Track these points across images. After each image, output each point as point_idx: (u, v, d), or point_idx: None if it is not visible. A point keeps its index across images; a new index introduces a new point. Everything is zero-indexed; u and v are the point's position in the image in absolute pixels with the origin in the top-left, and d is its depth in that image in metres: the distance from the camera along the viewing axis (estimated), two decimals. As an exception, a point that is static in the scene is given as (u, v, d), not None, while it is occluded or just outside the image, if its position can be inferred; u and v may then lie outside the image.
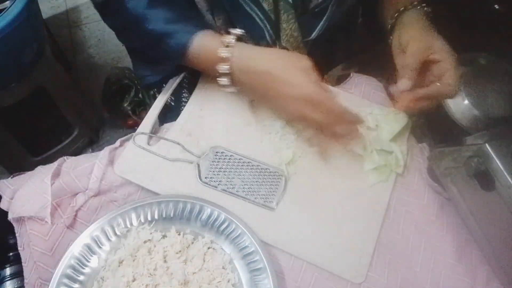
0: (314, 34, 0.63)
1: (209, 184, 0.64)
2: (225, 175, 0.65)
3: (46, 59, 1.30)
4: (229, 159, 0.66)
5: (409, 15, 0.65)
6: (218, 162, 0.65)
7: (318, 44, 0.69)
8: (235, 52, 0.58)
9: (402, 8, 0.65)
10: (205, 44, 0.59)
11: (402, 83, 0.60)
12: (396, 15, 0.66)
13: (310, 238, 0.63)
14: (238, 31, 0.59)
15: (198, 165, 0.64)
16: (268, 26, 0.63)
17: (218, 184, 0.64)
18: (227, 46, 0.58)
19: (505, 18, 0.97)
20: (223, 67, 0.58)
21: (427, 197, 0.69)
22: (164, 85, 0.71)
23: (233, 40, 0.58)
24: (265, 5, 0.60)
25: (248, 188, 0.64)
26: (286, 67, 0.57)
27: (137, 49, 0.69)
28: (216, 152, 0.66)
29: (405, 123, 0.70)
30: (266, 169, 0.65)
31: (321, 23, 0.63)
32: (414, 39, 0.61)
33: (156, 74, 0.67)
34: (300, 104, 0.57)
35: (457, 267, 0.63)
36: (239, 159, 0.66)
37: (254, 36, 0.65)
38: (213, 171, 0.65)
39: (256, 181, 0.65)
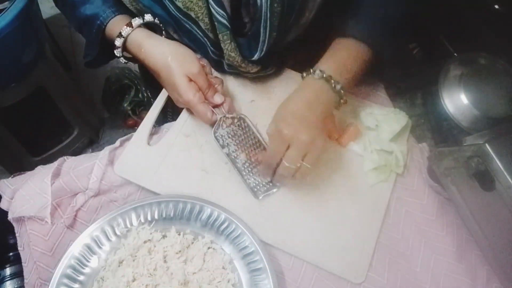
0: (256, 56, 0.63)
1: (218, 141, 0.65)
2: (236, 143, 0.65)
3: (46, 59, 1.30)
4: (247, 132, 0.67)
5: (308, 82, 0.61)
6: (237, 129, 0.66)
7: (270, 61, 0.69)
8: (129, 42, 0.65)
9: (304, 74, 0.63)
10: (113, 30, 0.65)
11: (259, 157, 0.64)
12: (304, 74, 0.63)
13: (310, 238, 0.63)
14: (138, 20, 0.65)
15: (221, 119, 0.65)
16: (208, 43, 0.65)
17: (226, 146, 0.65)
18: (120, 36, 0.64)
19: (505, 18, 0.97)
20: (116, 51, 0.67)
21: (427, 197, 0.69)
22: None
23: (128, 30, 0.64)
24: (201, 24, 0.62)
25: (248, 167, 0.65)
26: (172, 72, 0.61)
27: (77, 30, 0.74)
28: (240, 119, 0.67)
29: (405, 123, 0.70)
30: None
31: (259, 45, 0.62)
32: (289, 117, 0.58)
33: (91, 54, 0.71)
34: (184, 105, 0.65)
35: (457, 267, 0.63)
36: (257, 139, 0.67)
37: (200, 51, 0.69)
38: (228, 133, 0.65)
39: (257, 166, 0.65)
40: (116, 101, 1.80)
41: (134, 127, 1.80)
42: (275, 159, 0.58)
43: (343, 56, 0.63)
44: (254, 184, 0.64)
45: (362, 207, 0.65)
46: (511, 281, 0.59)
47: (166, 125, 0.72)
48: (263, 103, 0.72)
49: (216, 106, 0.64)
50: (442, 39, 1.12)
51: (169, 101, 0.70)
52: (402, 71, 0.87)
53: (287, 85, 0.74)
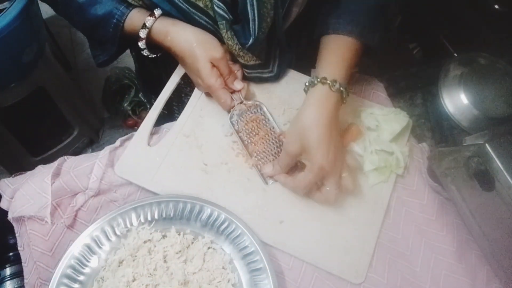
0: (251, 40, 0.64)
1: (233, 125, 0.67)
2: (250, 129, 0.67)
3: (46, 59, 1.30)
4: (263, 119, 0.68)
5: (315, 93, 0.61)
6: (253, 115, 0.68)
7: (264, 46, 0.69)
8: (154, 32, 0.65)
9: (307, 83, 0.62)
10: (132, 25, 0.66)
11: (268, 167, 0.65)
12: (306, 84, 0.63)
13: (310, 238, 0.63)
14: (160, 11, 0.65)
15: (238, 105, 0.67)
16: (218, 29, 0.65)
17: (241, 131, 0.67)
18: (144, 27, 0.65)
19: (505, 18, 0.97)
20: (141, 44, 0.67)
21: (427, 197, 0.69)
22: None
23: (152, 20, 0.64)
24: (211, 13, 0.63)
25: (260, 153, 0.66)
26: (197, 58, 0.64)
27: (86, 33, 0.74)
28: (257, 106, 0.68)
29: (406, 124, 0.70)
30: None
31: (251, 26, 0.62)
32: (300, 133, 0.59)
33: (106, 53, 0.72)
34: (204, 89, 0.69)
35: (457, 267, 0.63)
36: (271, 126, 0.68)
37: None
38: (244, 119, 0.67)
39: (270, 152, 0.66)
40: (116, 101, 1.80)
41: (134, 127, 1.80)
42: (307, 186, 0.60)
43: (334, 52, 0.64)
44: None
45: (362, 207, 0.65)
46: (511, 281, 0.59)
47: (166, 125, 0.72)
48: (264, 103, 0.72)
49: (234, 91, 0.67)
50: (442, 39, 1.12)
51: (174, 97, 0.71)
52: (402, 71, 0.87)
53: (287, 84, 0.74)
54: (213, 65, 0.65)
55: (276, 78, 0.73)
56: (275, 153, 0.67)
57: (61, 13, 0.72)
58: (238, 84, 0.67)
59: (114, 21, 0.65)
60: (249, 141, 0.66)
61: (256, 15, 0.61)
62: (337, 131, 0.62)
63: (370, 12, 0.66)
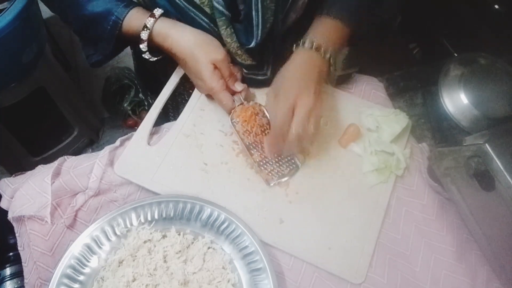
0: (253, 43, 0.64)
1: (235, 127, 0.66)
2: (250, 130, 0.67)
3: (46, 59, 1.30)
4: (263, 119, 0.68)
5: (300, 53, 0.63)
6: (253, 116, 0.67)
7: (266, 50, 0.69)
8: (155, 33, 0.65)
9: (294, 46, 0.65)
10: (131, 24, 0.65)
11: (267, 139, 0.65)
12: (294, 45, 0.65)
13: (310, 238, 0.63)
14: (160, 11, 0.65)
15: (239, 106, 0.67)
16: (215, 28, 0.65)
17: (240, 132, 0.66)
18: (145, 28, 0.64)
19: (505, 18, 0.97)
20: (142, 47, 0.66)
21: (427, 197, 0.69)
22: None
23: (152, 21, 0.64)
24: (207, 10, 0.63)
25: (262, 153, 0.66)
26: (199, 60, 0.64)
27: (80, 31, 0.72)
28: (258, 106, 0.68)
29: (406, 124, 0.70)
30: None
31: (254, 30, 0.63)
32: (288, 84, 0.60)
33: (99, 53, 0.71)
34: (206, 91, 0.69)
35: (457, 267, 0.63)
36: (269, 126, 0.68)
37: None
38: (244, 120, 0.67)
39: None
40: (116, 101, 1.80)
41: (134, 127, 1.80)
42: (282, 127, 0.59)
43: (326, 29, 0.66)
44: (267, 171, 0.65)
45: (362, 207, 0.65)
46: (511, 281, 0.59)
47: (166, 125, 0.72)
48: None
49: (234, 93, 0.68)
50: (442, 39, 1.13)
51: (170, 101, 0.70)
52: (402, 71, 0.87)
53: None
54: (215, 67, 0.65)
55: (270, 81, 0.73)
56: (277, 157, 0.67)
57: (56, 10, 0.71)
58: (238, 86, 0.67)
59: (113, 18, 0.64)
60: (250, 141, 0.66)
61: (260, 21, 0.62)
62: (317, 85, 0.61)
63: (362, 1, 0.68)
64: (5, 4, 1.03)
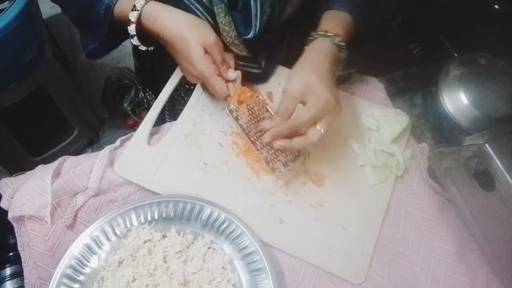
0: (251, 33, 0.63)
1: (232, 115, 0.65)
2: (248, 117, 0.65)
3: (46, 59, 1.30)
4: (260, 106, 0.67)
5: (316, 45, 0.63)
6: (250, 103, 0.66)
7: (265, 42, 0.68)
8: (144, 15, 0.62)
9: (310, 37, 0.64)
10: (122, 7, 0.63)
11: (266, 122, 0.62)
12: (307, 39, 0.65)
13: (310, 238, 0.63)
14: None
15: (234, 94, 0.65)
16: (209, 18, 0.64)
17: (239, 120, 0.65)
18: (134, 9, 0.61)
19: (505, 18, 0.97)
20: (131, 29, 0.63)
21: (427, 197, 0.69)
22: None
23: (142, 2, 0.61)
24: None
25: (261, 142, 0.64)
26: (188, 43, 0.60)
27: (77, 19, 0.72)
28: (254, 94, 0.67)
29: (406, 124, 0.70)
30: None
31: (253, 20, 0.62)
32: (299, 75, 0.59)
33: (96, 39, 0.69)
34: (196, 78, 0.64)
35: (457, 267, 0.63)
36: (269, 114, 0.67)
37: None
38: (240, 108, 0.65)
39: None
40: (116, 101, 1.80)
41: (134, 127, 1.80)
42: (287, 111, 0.58)
43: (336, 20, 0.66)
44: (270, 158, 0.64)
45: (362, 207, 0.65)
46: (511, 281, 0.59)
47: (166, 125, 0.72)
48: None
49: (228, 81, 0.64)
50: (442, 39, 1.12)
51: (167, 101, 0.70)
52: (402, 71, 0.87)
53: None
54: (206, 51, 0.62)
55: (263, 76, 0.72)
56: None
57: (55, 0, 0.70)
58: (232, 73, 0.64)
59: (106, 1, 0.62)
60: (249, 129, 0.65)
61: (259, 11, 0.61)
62: (333, 78, 0.61)
63: None
64: (5, 4, 1.03)
